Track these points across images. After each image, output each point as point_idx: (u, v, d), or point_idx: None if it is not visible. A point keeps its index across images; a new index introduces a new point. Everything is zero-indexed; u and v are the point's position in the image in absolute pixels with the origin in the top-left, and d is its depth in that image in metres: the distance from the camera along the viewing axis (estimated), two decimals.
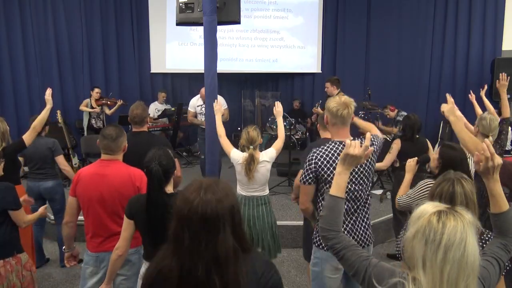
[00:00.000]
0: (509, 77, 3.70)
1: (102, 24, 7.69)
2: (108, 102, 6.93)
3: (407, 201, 2.64)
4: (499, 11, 7.33)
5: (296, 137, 7.50)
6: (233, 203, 1.25)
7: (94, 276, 2.52)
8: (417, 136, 4.11)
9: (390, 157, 4.03)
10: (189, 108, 5.96)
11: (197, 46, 7.79)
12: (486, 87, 4.53)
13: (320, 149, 2.29)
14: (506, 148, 4.39)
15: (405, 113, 6.17)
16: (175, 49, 8.09)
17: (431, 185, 2.55)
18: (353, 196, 2.31)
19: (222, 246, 1.19)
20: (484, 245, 1.72)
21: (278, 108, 3.47)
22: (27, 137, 3.27)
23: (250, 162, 3.11)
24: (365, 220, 2.40)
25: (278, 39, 8.26)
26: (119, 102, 6.94)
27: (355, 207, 2.34)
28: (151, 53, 8.03)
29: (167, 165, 2.15)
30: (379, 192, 5.52)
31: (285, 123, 7.01)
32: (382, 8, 8.02)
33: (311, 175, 2.27)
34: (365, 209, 2.40)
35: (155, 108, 7.49)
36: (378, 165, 4.12)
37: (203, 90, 5.84)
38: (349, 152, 1.56)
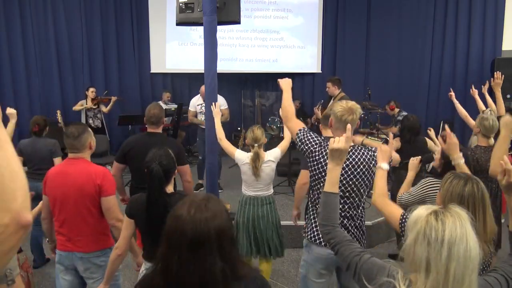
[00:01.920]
0: (503, 76, 3.75)
1: (102, 24, 7.68)
2: (104, 100, 6.91)
3: (408, 199, 2.63)
4: (499, 11, 7.33)
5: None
6: (221, 225, 1.21)
7: (61, 273, 2.54)
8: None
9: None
10: (189, 108, 5.97)
11: (197, 46, 7.78)
12: (488, 84, 4.54)
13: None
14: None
15: (406, 114, 6.16)
16: (175, 49, 8.08)
17: (433, 183, 2.56)
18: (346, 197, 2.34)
19: (209, 271, 1.17)
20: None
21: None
22: None
23: (256, 160, 3.15)
24: (355, 222, 2.40)
25: (278, 39, 8.25)
26: (113, 98, 6.90)
27: (346, 208, 2.37)
28: (151, 53, 8.02)
29: (168, 165, 2.15)
30: None
31: None
32: (382, 8, 8.02)
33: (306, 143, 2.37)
34: (358, 213, 2.41)
35: None
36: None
37: (203, 88, 5.81)
38: (334, 147, 1.63)
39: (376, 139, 6.06)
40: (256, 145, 3.18)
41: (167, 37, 8.00)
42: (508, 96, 6.71)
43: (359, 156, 2.34)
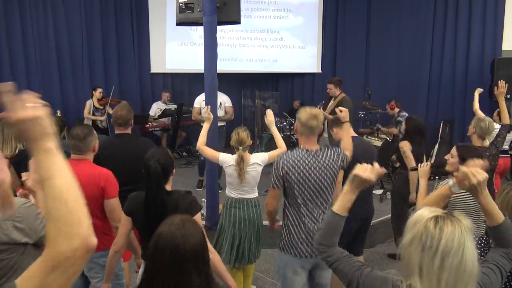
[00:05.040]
0: (507, 84, 3.72)
1: (102, 24, 7.68)
2: (112, 102, 6.89)
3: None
4: (499, 11, 7.33)
5: (296, 137, 7.49)
6: (197, 243, 1.31)
7: None
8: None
9: (410, 161, 3.78)
10: (194, 105, 5.86)
11: (197, 46, 7.78)
12: (481, 90, 4.48)
13: (286, 155, 2.51)
14: (505, 148, 4.40)
15: (406, 114, 6.16)
16: (175, 49, 8.08)
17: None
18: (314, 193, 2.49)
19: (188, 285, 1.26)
20: (483, 252, 1.69)
21: (270, 117, 3.28)
22: None
23: (240, 163, 3.08)
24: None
25: (278, 39, 8.26)
26: (123, 102, 6.88)
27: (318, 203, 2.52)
28: (151, 53, 8.03)
29: (166, 163, 2.15)
30: (379, 192, 5.52)
31: (285, 123, 7.03)
32: (382, 8, 8.03)
33: (280, 180, 2.48)
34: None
35: (157, 108, 7.47)
36: (412, 173, 3.89)
37: None
38: (359, 174, 1.49)
39: (376, 139, 6.08)
40: (240, 148, 3.09)
41: (167, 37, 8.00)
42: (508, 96, 6.71)
43: (327, 158, 2.52)
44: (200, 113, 5.76)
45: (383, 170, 1.55)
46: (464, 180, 1.44)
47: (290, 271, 2.56)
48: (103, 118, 6.67)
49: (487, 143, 3.45)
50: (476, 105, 4.09)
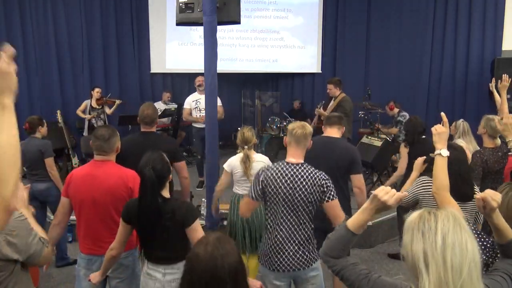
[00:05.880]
0: (510, 79, 3.74)
1: (102, 24, 7.68)
2: (109, 102, 6.90)
3: (406, 197, 2.66)
4: (499, 11, 7.33)
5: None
6: (236, 261, 1.31)
7: (87, 279, 2.48)
8: (423, 137, 4.06)
9: (402, 163, 3.97)
10: (184, 106, 5.92)
11: (197, 46, 7.77)
12: (493, 80, 4.44)
13: (268, 167, 2.45)
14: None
15: (406, 114, 6.15)
16: (175, 49, 8.08)
17: (427, 181, 2.60)
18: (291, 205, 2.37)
19: None
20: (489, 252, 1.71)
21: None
22: None
23: (246, 161, 3.21)
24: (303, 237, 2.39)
25: (278, 39, 8.26)
26: (118, 101, 6.89)
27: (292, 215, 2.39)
28: (151, 53, 8.02)
29: (162, 169, 2.09)
30: None
31: (285, 123, 7.02)
32: (382, 8, 8.03)
33: (259, 192, 2.40)
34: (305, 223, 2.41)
35: (157, 108, 7.46)
36: (396, 174, 4.11)
37: (200, 78, 5.80)
38: (379, 196, 1.41)
39: (376, 139, 6.07)
40: (246, 146, 3.23)
41: (167, 37, 8.00)
42: (508, 96, 6.71)
43: (306, 174, 2.36)
44: (190, 114, 5.83)
45: (404, 195, 1.47)
46: (483, 205, 1.45)
47: (268, 283, 2.50)
48: (90, 116, 6.60)
49: (498, 142, 3.45)
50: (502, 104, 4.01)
